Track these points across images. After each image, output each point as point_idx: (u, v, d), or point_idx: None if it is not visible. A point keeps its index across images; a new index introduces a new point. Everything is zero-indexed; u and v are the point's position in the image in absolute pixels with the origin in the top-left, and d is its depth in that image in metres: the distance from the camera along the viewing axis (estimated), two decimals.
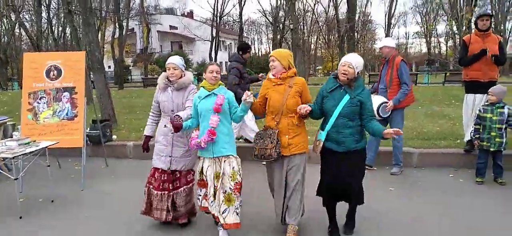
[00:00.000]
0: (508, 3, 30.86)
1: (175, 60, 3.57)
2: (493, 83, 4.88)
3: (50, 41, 29.30)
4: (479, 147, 4.72)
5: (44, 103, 5.35)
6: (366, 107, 3.11)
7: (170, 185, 3.59)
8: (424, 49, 53.88)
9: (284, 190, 3.32)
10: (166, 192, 3.57)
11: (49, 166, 4.54)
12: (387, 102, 4.81)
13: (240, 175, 3.25)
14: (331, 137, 3.15)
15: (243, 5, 32.10)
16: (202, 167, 3.33)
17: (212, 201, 3.25)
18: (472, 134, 4.82)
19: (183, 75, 3.60)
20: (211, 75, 3.30)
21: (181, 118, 3.24)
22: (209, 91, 3.30)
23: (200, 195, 3.43)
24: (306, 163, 3.37)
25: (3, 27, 31.61)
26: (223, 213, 3.18)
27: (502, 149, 4.56)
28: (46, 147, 4.38)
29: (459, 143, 5.79)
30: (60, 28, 30.19)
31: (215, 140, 3.20)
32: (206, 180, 3.30)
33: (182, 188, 3.62)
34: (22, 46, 36.20)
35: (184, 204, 3.63)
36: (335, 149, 3.14)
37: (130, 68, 40.35)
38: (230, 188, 3.19)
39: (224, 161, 3.23)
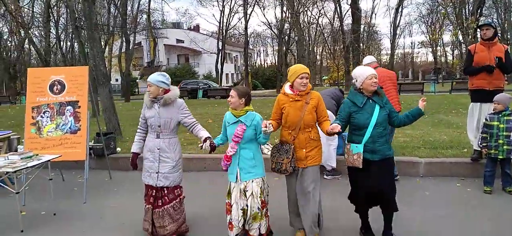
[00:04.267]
0: None
1: (150, 78, 3.57)
2: (499, 91, 4.78)
3: (59, 56, 29.67)
4: (487, 156, 4.63)
5: (48, 117, 5.37)
6: (393, 109, 3.35)
7: (156, 201, 3.58)
8: (431, 58, 53.68)
9: (300, 198, 3.36)
10: (150, 206, 3.58)
11: (51, 179, 4.53)
12: None
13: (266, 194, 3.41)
14: (366, 147, 3.21)
15: (249, 18, 32.34)
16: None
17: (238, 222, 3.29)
18: (479, 143, 4.73)
19: (165, 91, 3.55)
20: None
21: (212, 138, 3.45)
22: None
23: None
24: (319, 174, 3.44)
25: (13, 43, 32.16)
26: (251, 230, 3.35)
27: (511, 157, 4.45)
28: (49, 160, 4.38)
29: (466, 152, 5.68)
30: (69, 43, 30.62)
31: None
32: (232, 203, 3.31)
33: (166, 206, 3.57)
34: (32, 61, 36.71)
35: (169, 222, 3.57)
36: (370, 158, 3.21)
37: (137, 81, 40.70)
38: (258, 207, 3.28)
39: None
